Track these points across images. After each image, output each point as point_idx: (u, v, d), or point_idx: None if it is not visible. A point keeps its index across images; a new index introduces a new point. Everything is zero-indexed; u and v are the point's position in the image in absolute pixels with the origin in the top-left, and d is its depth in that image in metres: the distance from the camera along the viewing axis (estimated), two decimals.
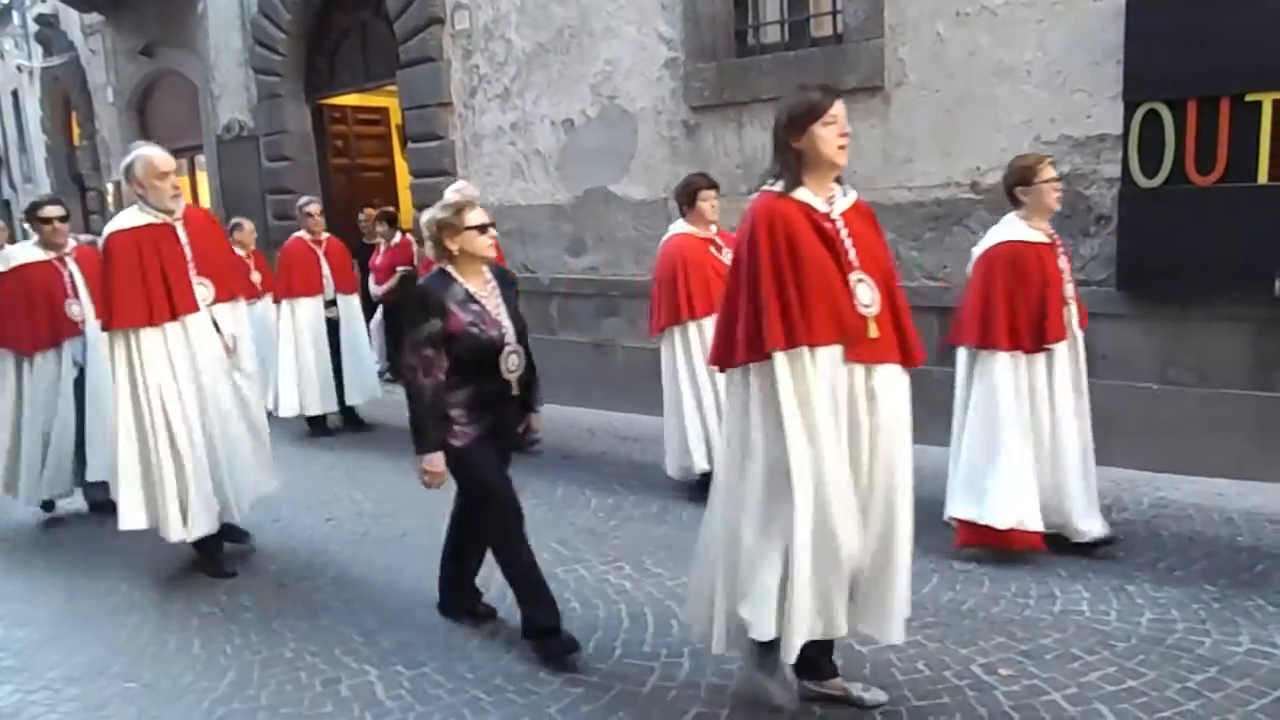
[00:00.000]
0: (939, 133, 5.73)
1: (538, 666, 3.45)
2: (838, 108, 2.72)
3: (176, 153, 12.94)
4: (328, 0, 9.66)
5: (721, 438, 3.05)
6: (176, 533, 4.34)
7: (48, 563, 4.96)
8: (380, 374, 8.28)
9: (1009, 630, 3.49)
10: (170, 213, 4.36)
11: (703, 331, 4.94)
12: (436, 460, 3.42)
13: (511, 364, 3.48)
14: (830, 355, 2.70)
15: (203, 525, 4.38)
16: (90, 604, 4.36)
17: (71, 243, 5.48)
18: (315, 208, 7.46)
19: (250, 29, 10.31)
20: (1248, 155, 4.68)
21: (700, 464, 5.02)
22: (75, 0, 12.43)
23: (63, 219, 5.44)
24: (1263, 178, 4.66)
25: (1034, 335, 4.01)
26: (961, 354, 4.32)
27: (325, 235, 7.50)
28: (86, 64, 13.41)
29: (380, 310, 9.00)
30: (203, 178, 12.20)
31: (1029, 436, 4.06)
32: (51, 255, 5.37)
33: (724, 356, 2.86)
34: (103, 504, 5.35)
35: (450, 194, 5.64)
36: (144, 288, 4.23)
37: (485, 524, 3.68)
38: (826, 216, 2.77)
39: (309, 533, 5.13)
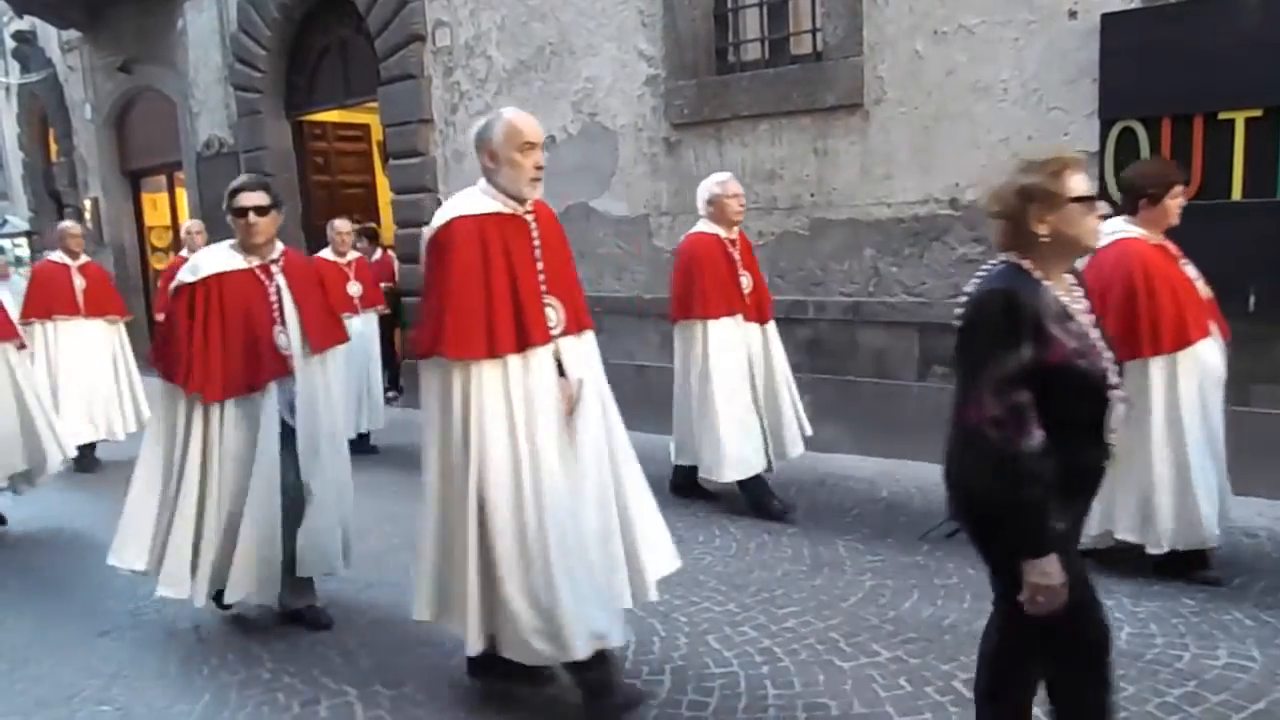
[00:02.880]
0: (917, 150, 5.78)
1: (516, 686, 3.42)
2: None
3: (155, 170, 13.03)
4: (308, 17, 9.65)
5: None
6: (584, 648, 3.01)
7: (20, 585, 4.89)
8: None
9: None
10: (523, 202, 3.18)
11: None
12: (1054, 567, 2.14)
13: (1116, 418, 2.25)
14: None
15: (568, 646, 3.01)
16: (63, 627, 4.29)
17: (279, 247, 4.09)
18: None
19: (230, 45, 10.29)
20: (1222, 172, 4.75)
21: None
22: (53, 16, 12.36)
23: (263, 210, 3.98)
24: (1236, 194, 4.72)
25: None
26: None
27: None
28: (64, 80, 13.33)
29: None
30: (182, 194, 12.13)
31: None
32: (254, 263, 3.96)
33: None
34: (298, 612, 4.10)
35: (713, 185, 5.07)
36: (486, 303, 2.99)
37: (1070, 666, 2.40)
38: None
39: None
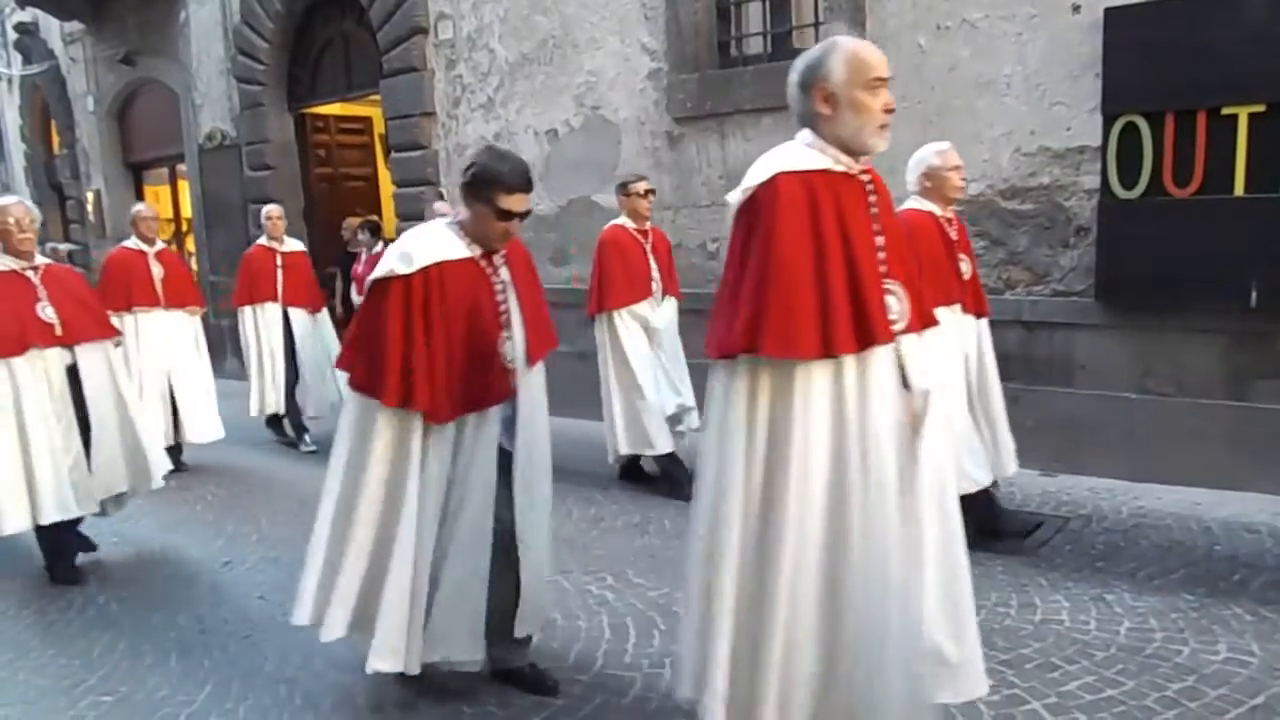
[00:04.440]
0: (920, 144, 5.73)
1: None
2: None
3: (157, 162, 13.05)
4: (310, 10, 9.64)
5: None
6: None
7: (22, 576, 4.90)
8: None
9: (989, 640, 3.49)
10: (858, 158, 2.45)
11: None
12: None
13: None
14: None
15: None
16: (65, 617, 4.31)
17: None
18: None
19: (232, 38, 10.28)
20: (1224, 167, 4.74)
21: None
22: (55, 8, 12.34)
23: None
24: (1239, 190, 4.71)
25: None
26: None
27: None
28: (66, 72, 13.32)
29: None
30: (184, 187, 12.13)
31: None
32: (477, 251, 3.16)
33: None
34: None
35: (930, 156, 4.25)
36: (820, 287, 2.31)
37: None
38: None
39: (288, 544, 5.08)
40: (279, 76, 10.07)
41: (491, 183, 2.98)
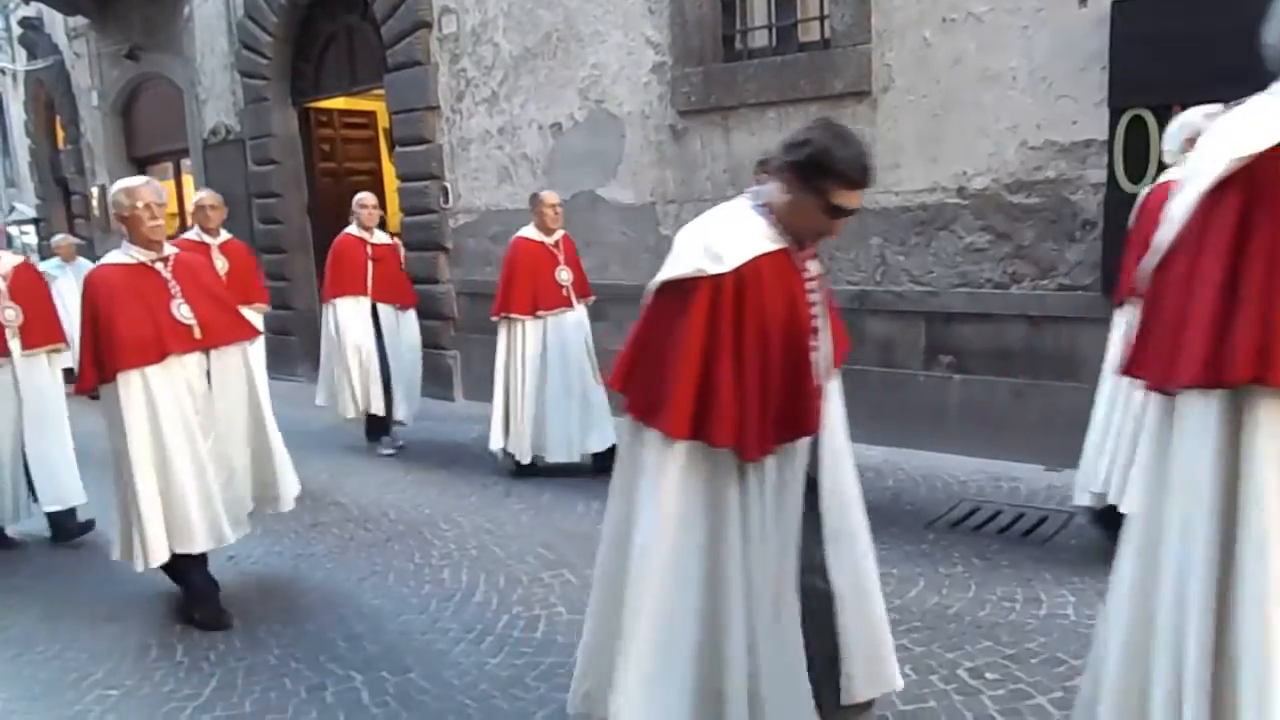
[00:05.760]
0: (925, 138, 5.75)
1: (523, 672, 3.44)
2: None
3: (161, 157, 13.06)
4: (314, 4, 9.63)
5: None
6: None
7: (28, 571, 4.92)
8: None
9: (995, 634, 3.50)
10: None
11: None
12: None
13: None
14: None
15: None
16: (71, 611, 4.32)
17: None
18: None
19: (236, 32, 10.27)
20: None
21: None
22: (59, 3, 12.35)
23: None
24: None
25: None
26: None
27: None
28: (71, 67, 13.33)
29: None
30: (188, 181, 12.14)
31: None
32: (786, 242, 2.56)
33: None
34: None
35: (1198, 120, 3.62)
36: None
37: None
38: None
39: (292, 538, 5.10)
40: (283, 71, 10.06)
41: (829, 172, 2.35)
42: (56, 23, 13.33)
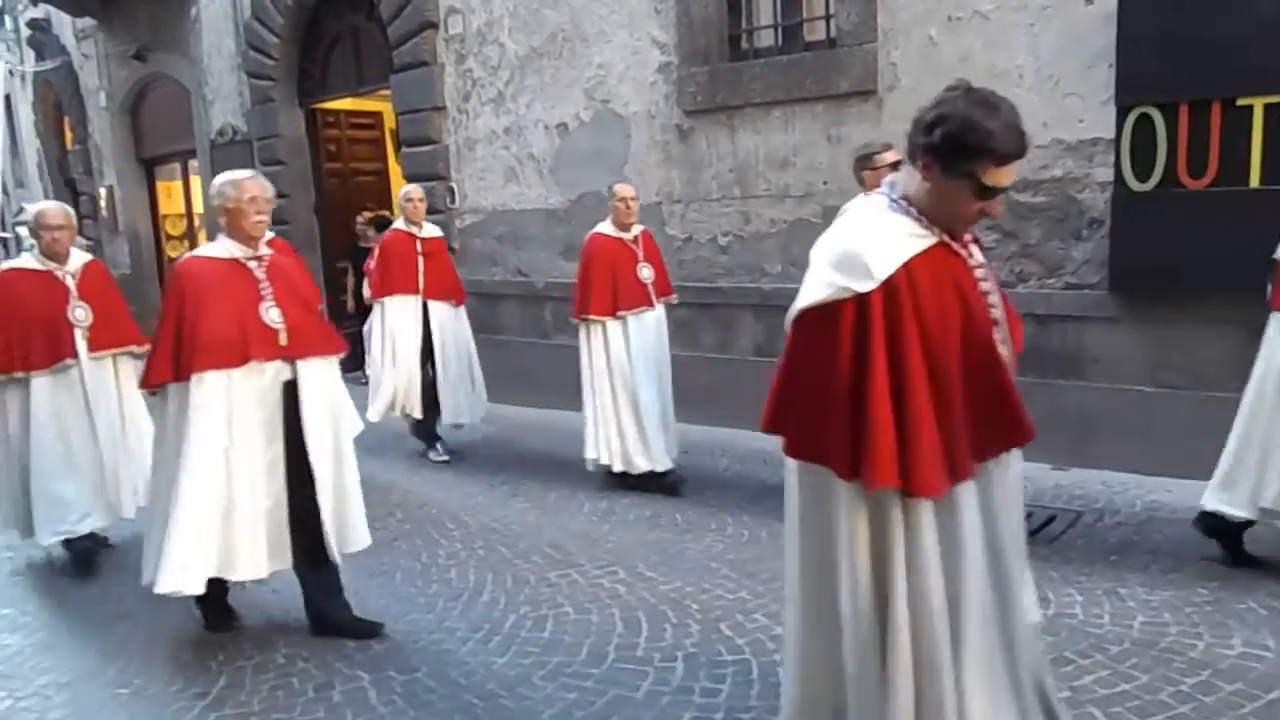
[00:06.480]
0: None
1: (530, 671, 3.44)
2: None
3: (169, 157, 13.10)
4: (321, 4, 9.65)
5: None
6: None
7: (39, 571, 4.93)
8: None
9: None
10: None
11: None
12: None
13: None
14: None
15: None
16: (81, 610, 4.34)
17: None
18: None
19: (243, 33, 10.30)
20: (1239, 159, 4.70)
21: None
22: (68, 4, 12.40)
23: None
24: (1254, 182, 4.67)
25: None
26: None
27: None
28: (79, 68, 13.38)
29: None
30: (196, 182, 12.17)
31: None
32: (941, 235, 2.26)
33: None
34: None
35: None
36: None
37: None
38: None
39: None
40: (289, 72, 10.09)
41: (975, 151, 2.04)
42: (65, 24, 13.39)
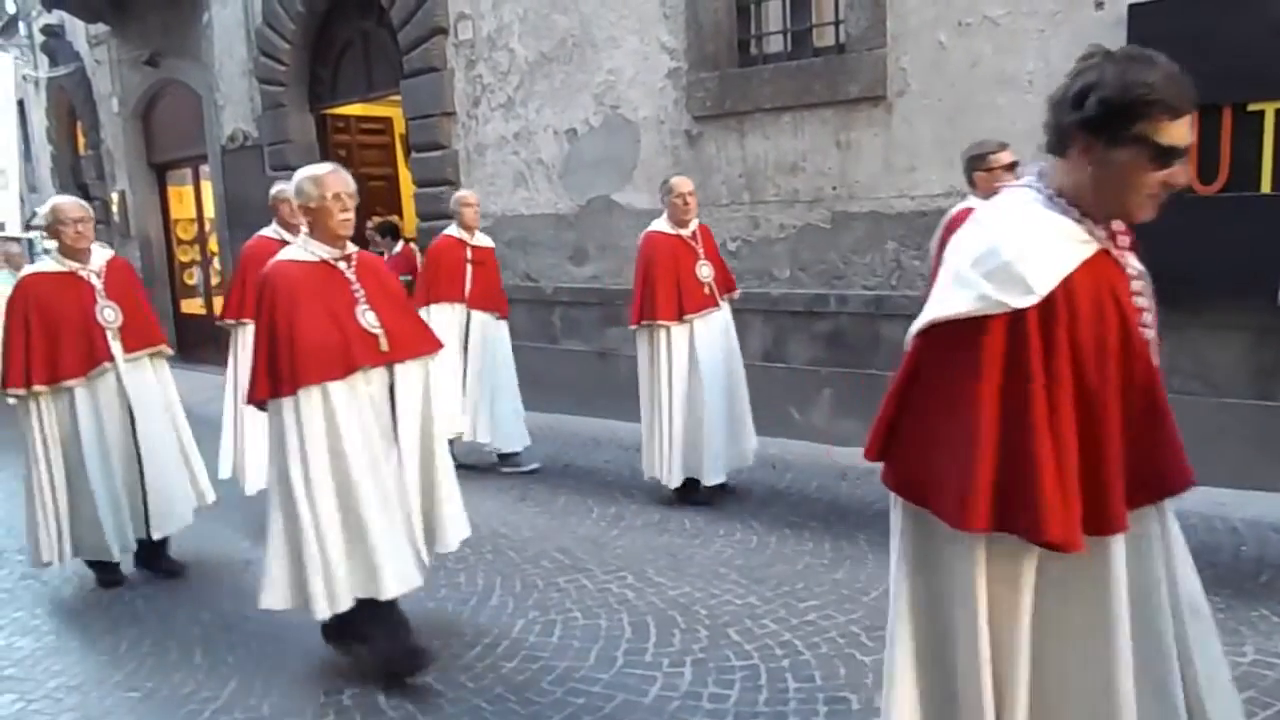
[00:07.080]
0: (941, 142, 5.73)
1: (538, 676, 3.45)
2: None
3: (180, 163, 13.16)
4: (331, 10, 9.70)
5: None
6: None
7: (50, 576, 4.95)
8: None
9: None
10: None
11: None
12: None
13: None
14: None
15: None
16: (92, 613, 4.36)
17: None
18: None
19: (254, 39, 10.35)
20: (1250, 164, 4.68)
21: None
22: (81, 10, 12.47)
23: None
24: (1265, 187, 4.66)
25: None
26: None
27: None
28: (92, 74, 13.46)
29: None
30: (207, 187, 12.23)
31: None
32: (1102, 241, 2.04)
33: None
34: None
35: None
36: None
37: None
38: None
39: None
40: (300, 77, 10.13)
41: (1141, 107, 1.70)
42: (78, 30, 13.47)
